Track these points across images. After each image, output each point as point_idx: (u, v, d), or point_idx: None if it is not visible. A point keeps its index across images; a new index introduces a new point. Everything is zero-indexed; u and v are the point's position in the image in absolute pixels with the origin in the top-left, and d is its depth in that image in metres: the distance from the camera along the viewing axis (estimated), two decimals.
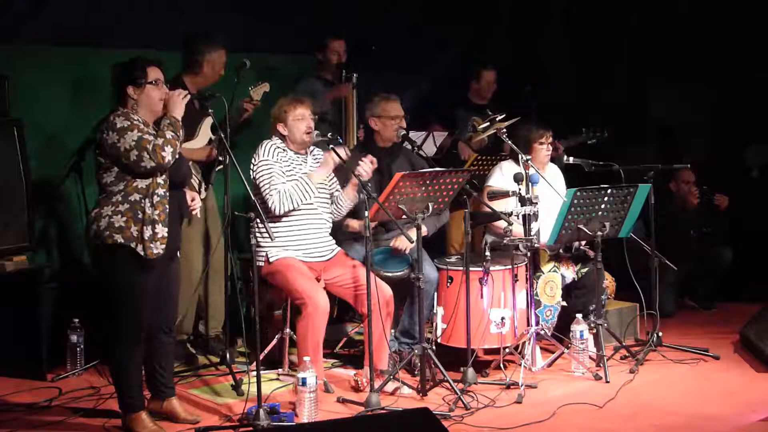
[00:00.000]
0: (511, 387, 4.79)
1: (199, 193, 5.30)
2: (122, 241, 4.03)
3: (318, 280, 4.93)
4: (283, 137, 5.03)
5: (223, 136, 4.79)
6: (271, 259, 4.89)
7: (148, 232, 4.04)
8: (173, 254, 4.27)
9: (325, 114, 6.08)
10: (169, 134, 4.06)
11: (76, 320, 5.17)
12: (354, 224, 5.25)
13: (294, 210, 4.87)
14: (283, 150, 5.00)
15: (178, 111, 4.18)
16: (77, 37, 5.59)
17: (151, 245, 4.05)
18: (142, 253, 4.03)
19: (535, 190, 5.01)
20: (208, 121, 5.30)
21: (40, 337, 5.08)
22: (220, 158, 5.25)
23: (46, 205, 5.54)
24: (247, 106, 5.45)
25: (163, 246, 4.08)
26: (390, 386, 4.74)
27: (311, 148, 5.13)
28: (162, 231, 4.08)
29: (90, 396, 4.75)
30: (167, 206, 4.11)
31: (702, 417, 4.40)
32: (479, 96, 6.82)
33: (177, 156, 4.09)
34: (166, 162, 4.03)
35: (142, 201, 4.05)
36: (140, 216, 4.04)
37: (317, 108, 5.93)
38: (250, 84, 5.49)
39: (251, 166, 4.97)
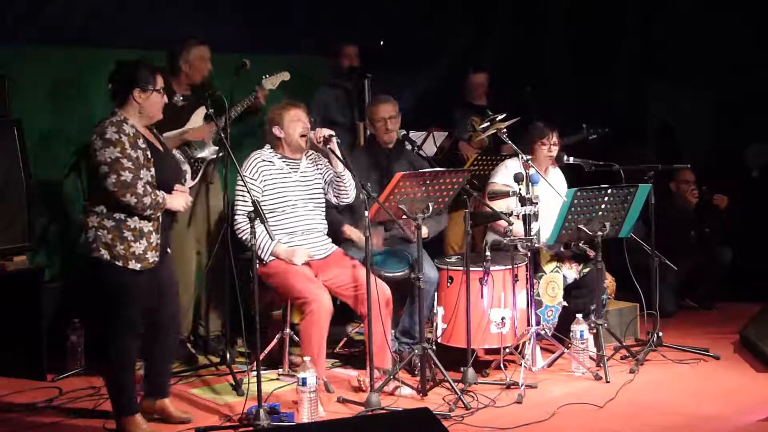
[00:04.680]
0: (511, 387, 4.79)
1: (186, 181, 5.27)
2: (108, 258, 4.01)
3: (315, 277, 4.91)
4: (278, 142, 5.01)
5: (223, 135, 4.80)
6: (265, 261, 4.89)
7: (140, 247, 4.02)
8: (164, 254, 4.21)
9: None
10: (159, 198, 4.02)
11: (76, 320, 5.18)
12: (350, 233, 5.24)
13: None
14: (270, 162, 4.98)
15: (176, 205, 4.15)
16: (77, 37, 5.59)
17: (147, 256, 4.04)
18: (135, 268, 4.02)
19: (535, 190, 5.01)
20: (202, 110, 5.29)
21: (40, 337, 5.08)
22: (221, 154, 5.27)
23: (46, 205, 5.54)
24: (259, 94, 5.45)
25: (158, 253, 4.07)
26: (390, 386, 4.74)
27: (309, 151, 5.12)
28: (155, 239, 4.07)
29: (90, 396, 4.75)
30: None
31: (702, 417, 4.40)
32: (473, 97, 6.81)
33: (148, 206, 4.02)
34: (126, 201, 3.95)
35: (127, 219, 4.01)
36: (125, 234, 4.01)
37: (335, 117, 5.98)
38: (255, 82, 5.48)
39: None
